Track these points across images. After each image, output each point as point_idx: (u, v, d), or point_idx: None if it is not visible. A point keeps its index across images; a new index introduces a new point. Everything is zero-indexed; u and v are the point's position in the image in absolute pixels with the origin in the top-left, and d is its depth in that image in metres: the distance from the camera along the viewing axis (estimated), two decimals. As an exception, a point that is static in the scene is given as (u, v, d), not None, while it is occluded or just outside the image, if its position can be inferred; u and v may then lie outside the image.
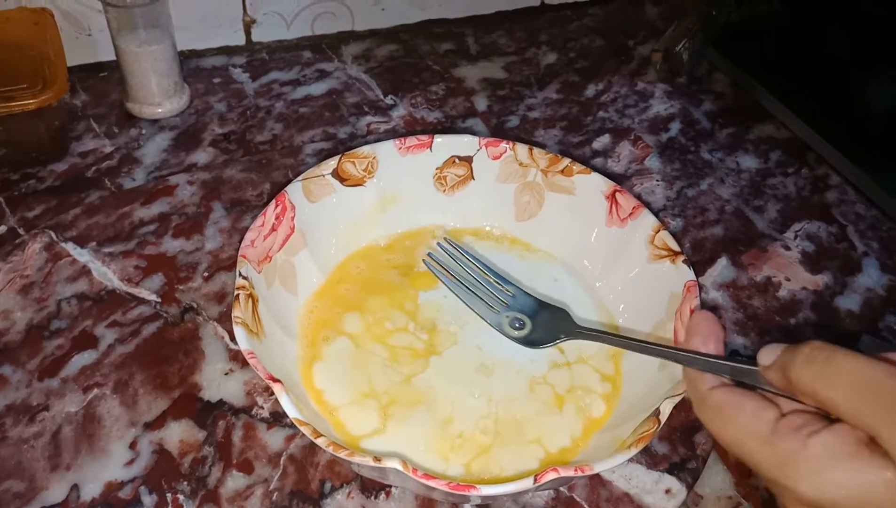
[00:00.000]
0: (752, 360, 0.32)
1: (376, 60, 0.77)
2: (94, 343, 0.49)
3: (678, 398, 0.38)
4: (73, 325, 0.50)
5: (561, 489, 0.43)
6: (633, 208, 0.50)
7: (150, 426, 0.45)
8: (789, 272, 0.58)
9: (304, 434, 0.36)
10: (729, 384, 0.32)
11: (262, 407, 0.46)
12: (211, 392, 0.47)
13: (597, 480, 0.43)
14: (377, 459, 0.35)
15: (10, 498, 0.41)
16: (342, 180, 0.51)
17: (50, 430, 0.44)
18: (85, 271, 0.53)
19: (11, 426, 0.44)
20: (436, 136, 0.53)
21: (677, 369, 0.41)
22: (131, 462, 0.43)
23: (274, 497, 0.42)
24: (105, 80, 0.71)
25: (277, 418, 0.45)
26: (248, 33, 0.76)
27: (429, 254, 0.51)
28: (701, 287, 0.55)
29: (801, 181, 0.67)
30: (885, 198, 0.64)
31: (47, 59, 0.59)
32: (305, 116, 0.69)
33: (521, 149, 0.53)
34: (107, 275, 0.53)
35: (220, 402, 0.46)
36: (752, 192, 0.65)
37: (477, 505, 0.42)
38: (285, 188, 0.49)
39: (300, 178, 0.50)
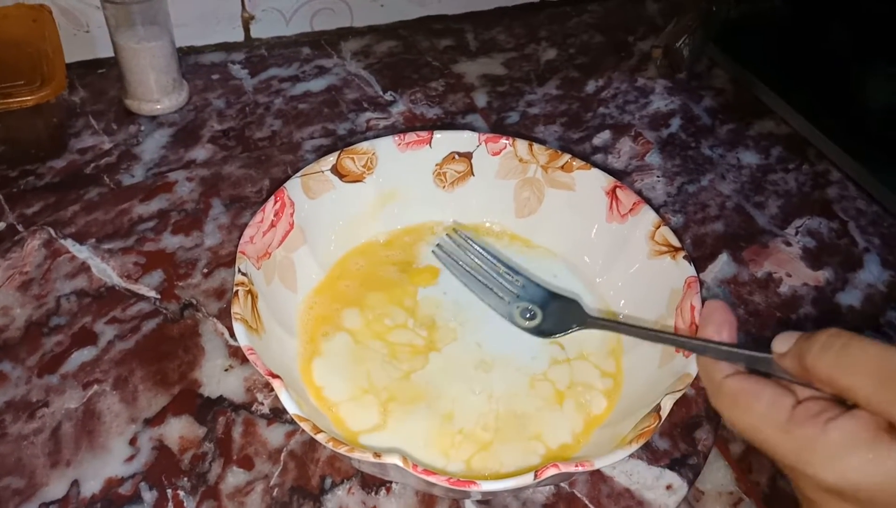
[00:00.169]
0: (766, 348, 0.32)
1: (375, 57, 0.77)
2: (94, 340, 0.49)
3: (679, 394, 0.38)
4: (73, 321, 0.49)
5: (562, 485, 0.43)
6: (634, 203, 0.50)
7: (150, 422, 0.45)
8: (790, 268, 0.58)
9: (304, 430, 0.36)
10: (744, 372, 0.32)
11: (262, 403, 0.46)
12: (211, 389, 0.46)
13: (598, 476, 0.43)
14: (377, 455, 0.34)
15: (9, 495, 0.41)
16: (341, 177, 0.51)
17: (50, 426, 0.44)
18: (84, 268, 0.53)
19: (11, 423, 0.44)
20: (435, 132, 0.53)
21: (678, 365, 0.41)
22: (131, 458, 0.43)
23: (274, 493, 0.42)
24: (103, 76, 0.71)
25: (277, 414, 0.45)
26: (246, 30, 0.76)
27: (438, 245, 0.51)
28: (702, 283, 0.55)
29: (802, 177, 0.67)
30: (886, 193, 0.64)
31: (45, 55, 0.59)
32: (304, 113, 0.69)
33: (521, 145, 0.53)
34: (106, 271, 0.53)
35: (220, 398, 0.46)
36: (752, 188, 0.65)
37: (478, 501, 0.42)
38: (284, 185, 0.49)
39: (299, 174, 0.49)
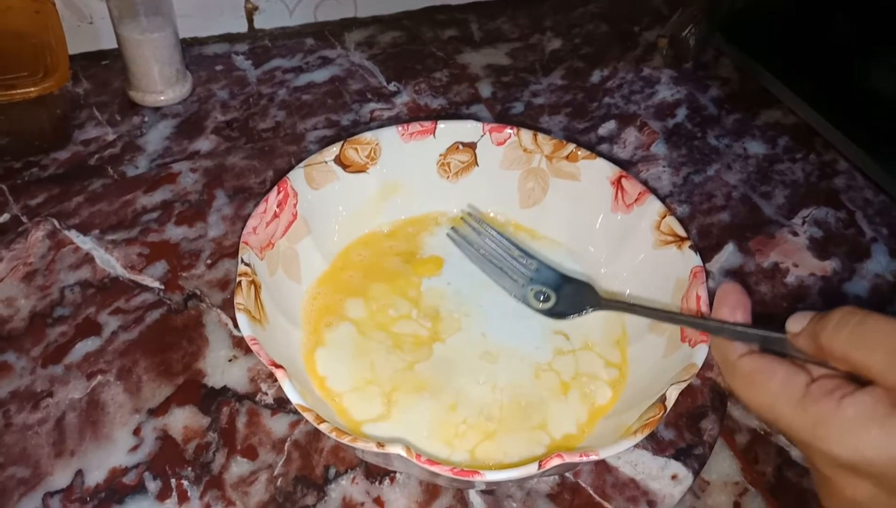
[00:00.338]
0: (780, 329, 0.32)
1: (379, 47, 0.77)
2: (98, 330, 0.49)
3: (684, 385, 0.37)
4: (77, 312, 0.49)
5: (566, 475, 0.43)
6: (639, 193, 0.49)
7: (154, 412, 0.45)
8: (797, 258, 0.58)
9: (307, 420, 0.36)
10: (758, 351, 0.32)
11: (266, 393, 0.46)
12: (215, 379, 0.46)
13: (602, 466, 0.43)
14: (381, 445, 0.34)
15: (14, 484, 0.41)
16: (345, 167, 0.51)
17: (54, 416, 0.44)
18: (88, 259, 0.53)
19: (16, 413, 0.44)
20: (439, 122, 0.53)
21: (684, 355, 0.41)
22: (135, 448, 0.43)
23: (278, 483, 0.42)
24: (107, 68, 0.70)
25: (281, 404, 0.45)
26: (250, 20, 0.76)
27: (452, 228, 0.51)
28: (708, 274, 0.55)
29: (809, 167, 0.66)
30: (894, 183, 0.63)
31: (48, 47, 0.59)
32: (308, 104, 0.69)
33: (526, 135, 0.53)
34: (110, 262, 0.53)
35: (224, 388, 0.46)
36: (759, 178, 0.65)
37: (482, 491, 0.42)
38: (287, 175, 0.48)
39: (302, 164, 0.49)
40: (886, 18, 0.68)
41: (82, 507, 0.40)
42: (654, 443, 0.44)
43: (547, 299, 0.47)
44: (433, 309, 0.48)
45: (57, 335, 0.48)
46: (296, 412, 0.43)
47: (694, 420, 0.45)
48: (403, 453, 0.34)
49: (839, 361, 0.29)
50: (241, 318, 0.39)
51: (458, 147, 0.54)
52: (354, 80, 0.72)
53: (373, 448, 0.35)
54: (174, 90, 0.67)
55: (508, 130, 0.53)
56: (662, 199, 0.55)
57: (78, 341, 0.48)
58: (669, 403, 0.37)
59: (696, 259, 0.45)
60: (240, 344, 0.48)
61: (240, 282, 0.41)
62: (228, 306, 0.50)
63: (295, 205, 0.48)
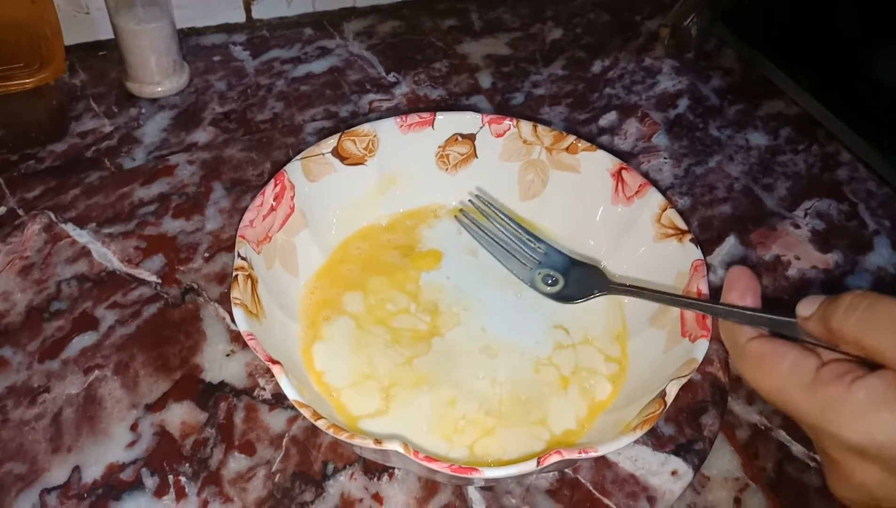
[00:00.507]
0: (790, 313, 0.32)
1: (378, 37, 0.76)
2: (95, 325, 0.48)
3: (684, 380, 0.37)
4: (74, 306, 0.49)
5: (566, 470, 0.42)
6: (640, 186, 0.49)
7: (152, 407, 0.44)
8: (799, 251, 0.57)
9: (305, 416, 0.36)
10: (767, 335, 0.32)
11: (264, 388, 0.46)
12: (212, 374, 0.46)
13: (602, 462, 0.43)
14: (378, 441, 0.34)
15: (11, 480, 0.41)
16: (342, 159, 0.51)
17: (51, 412, 0.44)
18: (85, 252, 0.52)
19: (12, 409, 0.44)
20: (438, 113, 0.52)
21: (684, 350, 0.40)
22: (133, 443, 0.43)
23: (276, 479, 0.41)
24: (104, 58, 0.70)
25: (279, 399, 0.45)
26: (248, 10, 0.75)
27: (461, 211, 0.51)
28: (709, 266, 0.54)
29: (811, 158, 0.66)
30: (897, 175, 0.63)
31: (44, 37, 0.58)
32: (307, 95, 0.68)
33: (525, 126, 0.52)
34: (107, 256, 0.52)
35: (222, 383, 0.46)
36: (761, 169, 0.64)
37: (481, 487, 0.41)
38: (284, 168, 0.48)
39: (299, 157, 0.49)
40: (890, 8, 0.67)
41: (79, 503, 0.40)
42: (655, 439, 0.44)
43: (555, 283, 0.47)
44: (432, 303, 0.48)
45: (54, 330, 0.48)
46: (294, 407, 0.43)
47: (694, 416, 0.45)
48: (401, 450, 0.34)
49: (850, 345, 0.29)
50: (237, 313, 0.39)
51: (457, 139, 0.53)
52: (353, 70, 0.71)
53: (370, 444, 0.34)
54: (171, 81, 0.66)
55: (508, 122, 0.53)
56: (663, 191, 0.54)
57: (75, 335, 0.48)
58: (669, 399, 0.37)
59: (696, 252, 0.44)
60: (237, 339, 0.48)
61: (236, 276, 0.41)
62: (226, 300, 0.50)
63: (292, 198, 0.48)
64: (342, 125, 0.65)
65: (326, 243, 0.50)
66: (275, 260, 0.46)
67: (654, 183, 0.54)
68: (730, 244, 0.57)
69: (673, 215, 0.47)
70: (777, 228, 0.59)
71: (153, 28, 0.63)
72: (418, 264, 0.50)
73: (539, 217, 0.53)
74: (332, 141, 0.50)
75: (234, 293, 0.40)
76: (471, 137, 0.53)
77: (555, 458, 0.34)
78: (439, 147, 0.53)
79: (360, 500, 0.41)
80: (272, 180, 0.47)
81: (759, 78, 0.74)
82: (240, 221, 0.45)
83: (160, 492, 0.41)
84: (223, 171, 0.59)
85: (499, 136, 0.53)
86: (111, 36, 0.65)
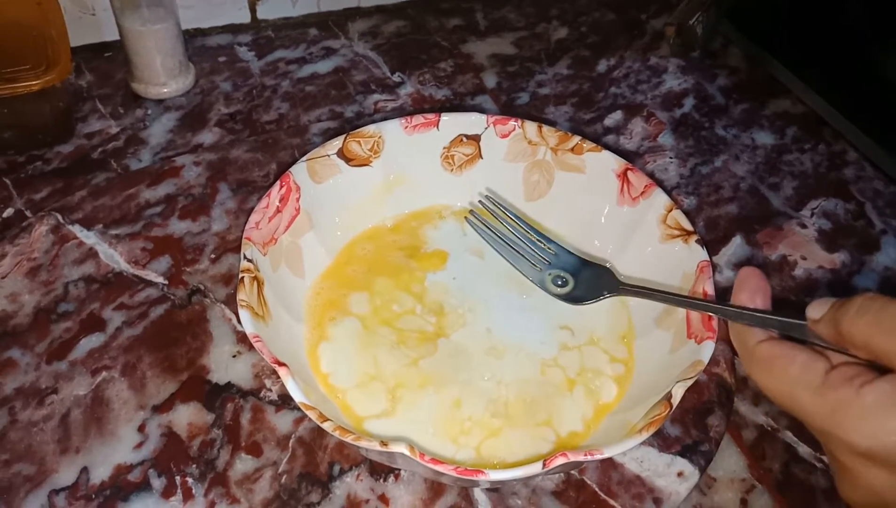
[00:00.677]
0: (799, 315, 0.32)
1: (383, 37, 0.76)
2: (102, 326, 0.48)
3: (690, 382, 0.37)
4: (81, 308, 0.49)
5: (572, 472, 0.42)
6: (645, 186, 0.49)
7: (159, 409, 0.44)
8: (805, 251, 0.57)
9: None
10: (776, 337, 0.32)
11: (271, 390, 0.46)
12: (219, 375, 0.46)
13: (608, 463, 0.43)
14: (384, 444, 0.34)
15: (20, 481, 0.41)
16: (348, 160, 0.51)
17: (59, 413, 0.44)
18: (92, 254, 0.53)
19: (21, 410, 0.44)
20: (443, 114, 0.52)
21: (690, 351, 0.40)
22: (140, 445, 0.43)
23: (283, 480, 0.42)
24: (110, 60, 0.70)
25: (286, 400, 0.45)
26: (253, 11, 0.75)
27: (471, 211, 0.51)
28: (715, 267, 0.55)
29: (818, 157, 0.66)
30: (905, 174, 0.62)
31: (50, 39, 0.58)
32: (312, 95, 0.68)
33: (530, 127, 0.52)
34: (114, 257, 0.53)
35: (229, 384, 0.46)
36: (767, 169, 0.64)
37: (487, 488, 0.41)
38: (290, 169, 0.48)
39: (305, 158, 0.49)
40: (898, 5, 0.67)
41: (87, 504, 0.40)
42: (660, 440, 0.44)
43: (565, 284, 0.47)
44: (437, 304, 0.48)
45: (61, 331, 0.48)
46: (300, 408, 0.43)
47: (700, 417, 0.45)
48: (407, 452, 0.34)
49: (860, 348, 0.29)
50: (244, 315, 0.39)
51: (462, 140, 0.53)
52: (358, 70, 0.71)
53: (376, 447, 0.34)
54: (177, 82, 0.66)
55: (513, 123, 0.53)
56: (669, 192, 0.54)
57: (82, 337, 0.48)
58: (675, 401, 0.37)
59: (702, 254, 0.44)
60: (244, 340, 0.48)
61: (242, 278, 0.41)
62: (232, 302, 0.50)
63: (298, 199, 0.48)
64: (347, 126, 0.65)
65: (332, 244, 0.50)
66: (281, 262, 0.46)
67: (660, 183, 0.54)
68: (736, 244, 0.57)
69: (679, 216, 0.47)
70: (783, 227, 0.59)
71: (158, 29, 0.63)
72: (424, 265, 0.50)
73: (544, 218, 0.53)
74: (337, 142, 0.50)
75: (241, 295, 0.40)
76: (476, 138, 0.53)
77: (560, 460, 0.34)
78: (444, 148, 0.53)
79: (367, 501, 0.41)
80: (278, 182, 0.47)
81: (765, 77, 0.74)
82: (246, 222, 0.45)
83: (167, 493, 0.41)
84: (229, 172, 0.60)
85: (504, 136, 0.53)
86: (117, 37, 0.65)
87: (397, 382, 0.44)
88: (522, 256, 0.48)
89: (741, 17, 0.77)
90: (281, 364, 0.37)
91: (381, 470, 0.42)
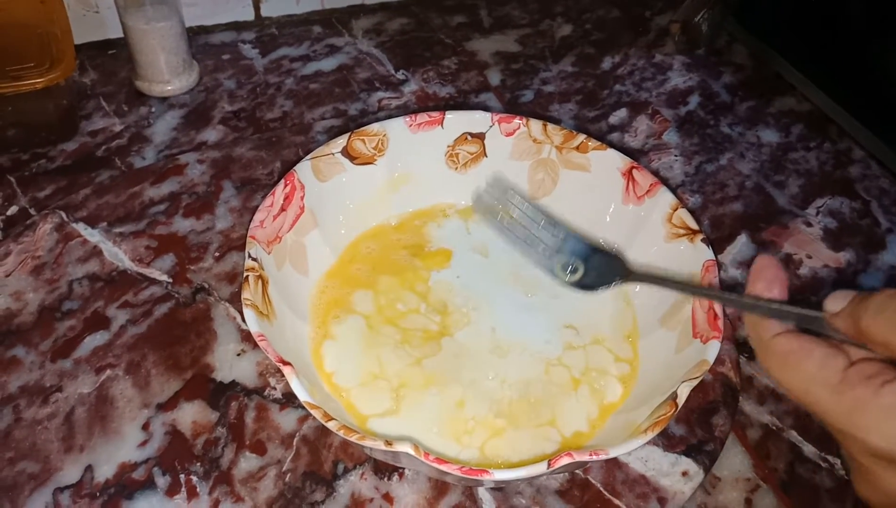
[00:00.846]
0: (818, 307, 0.30)
1: (387, 34, 0.76)
2: (106, 324, 0.48)
3: (695, 382, 0.37)
4: (85, 306, 0.49)
5: (576, 471, 0.42)
6: (651, 185, 0.48)
7: (163, 407, 0.44)
8: (811, 250, 0.57)
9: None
10: (794, 330, 0.31)
11: (275, 388, 0.46)
12: (223, 373, 0.46)
13: (613, 462, 0.43)
14: (389, 443, 0.34)
15: (25, 479, 0.41)
16: (352, 159, 0.51)
17: (63, 411, 0.44)
18: (96, 252, 0.53)
19: (25, 408, 0.44)
20: (447, 112, 0.52)
21: (695, 351, 0.40)
22: (144, 443, 0.43)
23: (287, 479, 0.42)
24: (114, 57, 0.70)
25: (290, 399, 0.45)
26: (257, 8, 0.75)
27: (478, 197, 0.48)
28: (720, 265, 0.54)
29: (824, 156, 0.65)
30: (911, 172, 0.62)
31: (54, 37, 0.59)
32: (316, 93, 0.68)
33: (535, 125, 0.52)
34: (118, 255, 0.53)
35: (233, 383, 0.46)
36: (772, 167, 0.64)
37: (491, 488, 0.41)
38: (294, 168, 0.48)
39: (309, 157, 0.49)
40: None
41: (92, 503, 0.40)
42: (665, 439, 0.44)
43: (575, 271, 0.45)
44: (442, 303, 0.48)
45: (65, 329, 0.48)
46: (304, 407, 0.43)
47: (705, 416, 0.45)
48: (412, 451, 0.34)
49: (879, 345, 0.28)
50: (248, 314, 0.39)
51: (466, 138, 0.53)
52: (362, 68, 0.71)
53: (381, 446, 0.34)
54: (181, 80, 0.66)
55: (517, 121, 0.53)
56: (674, 189, 0.54)
57: (86, 335, 0.48)
58: (681, 401, 0.36)
59: (708, 253, 0.44)
60: (248, 338, 0.48)
61: (247, 277, 0.41)
62: (236, 300, 0.50)
63: (302, 198, 0.48)
64: (351, 124, 0.65)
65: (336, 242, 0.50)
66: (285, 260, 0.46)
67: (665, 181, 0.54)
68: (741, 243, 0.57)
69: (684, 215, 0.46)
70: (789, 226, 0.59)
71: (162, 27, 0.63)
72: (428, 263, 0.50)
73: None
74: (341, 141, 0.50)
75: (245, 294, 0.40)
76: (480, 137, 0.53)
77: (565, 460, 0.34)
78: (449, 146, 0.53)
79: (371, 500, 0.41)
80: (282, 181, 0.47)
81: (770, 74, 0.73)
82: (250, 220, 0.45)
83: (172, 491, 0.41)
84: (233, 170, 0.59)
85: (508, 135, 0.53)
86: (121, 35, 0.65)
87: (401, 381, 0.44)
88: (531, 242, 0.46)
89: (747, 14, 0.77)
90: (286, 363, 0.37)
91: (385, 469, 0.42)
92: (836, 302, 0.30)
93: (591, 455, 0.34)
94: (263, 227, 0.45)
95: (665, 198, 0.48)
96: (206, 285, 0.51)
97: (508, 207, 0.47)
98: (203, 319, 0.49)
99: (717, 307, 0.41)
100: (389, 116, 0.52)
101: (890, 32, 0.68)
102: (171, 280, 0.51)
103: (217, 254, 0.53)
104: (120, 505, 0.40)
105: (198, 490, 0.41)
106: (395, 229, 0.52)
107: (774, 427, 0.46)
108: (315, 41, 0.74)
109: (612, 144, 0.51)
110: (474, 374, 0.44)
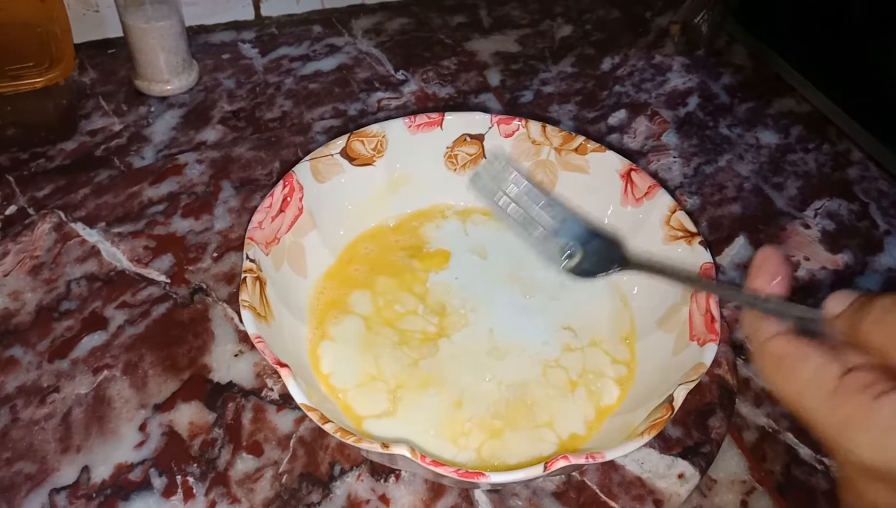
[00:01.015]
0: (818, 305, 0.29)
1: (387, 34, 0.76)
2: (104, 324, 0.49)
3: (692, 385, 0.37)
4: (83, 306, 0.49)
5: (572, 473, 0.42)
6: (649, 187, 0.48)
7: (160, 407, 0.45)
8: (809, 251, 0.57)
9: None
10: (792, 331, 0.30)
11: (272, 389, 0.46)
12: (220, 374, 0.46)
13: (609, 464, 0.43)
14: (385, 445, 0.34)
15: (21, 480, 0.41)
16: (351, 160, 0.51)
17: (60, 412, 0.44)
18: (94, 252, 0.53)
19: (22, 408, 0.44)
20: (446, 114, 0.52)
21: (693, 353, 0.40)
22: (141, 444, 0.43)
23: (283, 480, 0.42)
24: (113, 56, 0.70)
25: (287, 400, 0.45)
26: (256, 7, 0.75)
27: (475, 173, 0.46)
28: (718, 267, 0.54)
29: (822, 157, 0.65)
30: (910, 174, 0.62)
31: (54, 36, 0.58)
32: (315, 93, 0.68)
33: (534, 126, 0.52)
34: (116, 255, 0.53)
35: (230, 384, 0.46)
36: (771, 168, 0.64)
37: (487, 490, 0.41)
38: (293, 169, 0.48)
39: (308, 158, 0.49)
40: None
41: (88, 503, 0.40)
42: (661, 441, 0.44)
43: (572, 256, 0.43)
44: (440, 305, 0.48)
45: (63, 330, 0.48)
46: (301, 408, 0.43)
47: (701, 418, 0.45)
48: (408, 454, 0.34)
49: (876, 353, 0.27)
50: (246, 316, 0.39)
51: (465, 139, 0.53)
52: (362, 68, 0.71)
53: (377, 448, 0.34)
54: (180, 79, 0.66)
55: (517, 122, 0.53)
56: (673, 191, 0.54)
57: (84, 335, 0.48)
58: (677, 404, 0.36)
59: (706, 255, 0.44)
60: (246, 339, 0.48)
61: (245, 279, 0.41)
62: (234, 301, 0.50)
63: (301, 199, 0.48)
64: (350, 124, 0.65)
65: (335, 243, 0.50)
66: (283, 261, 0.46)
67: (663, 183, 0.54)
68: (739, 245, 0.57)
69: (682, 218, 0.46)
70: (787, 228, 0.59)
71: (162, 26, 0.63)
72: (426, 264, 0.50)
73: (547, 218, 0.53)
74: (340, 142, 0.50)
75: (243, 296, 0.40)
76: (479, 138, 0.53)
77: (562, 463, 0.34)
78: (448, 148, 0.53)
79: (367, 501, 0.41)
80: (281, 182, 0.47)
81: (770, 75, 0.73)
82: (248, 220, 0.45)
83: (168, 492, 0.41)
84: (232, 170, 0.59)
85: (507, 136, 0.53)
86: (120, 34, 0.65)
87: (398, 382, 0.44)
88: (527, 224, 0.44)
89: (747, 15, 0.77)
90: (283, 365, 0.37)
91: (381, 471, 0.42)
92: (836, 303, 0.29)
93: (587, 458, 0.34)
94: (262, 228, 0.45)
95: (663, 200, 0.48)
96: (204, 286, 0.51)
97: (506, 184, 0.45)
98: (201, 319, 0.49)
99: (715, 310, 0.41)
100: (389, 117, 0.52)
101: (890, 34, 0.68)
102: (169, 281, 0.51)
103: (215, 254, 0.53)
104: (116, 506, 0.40)
105: (194, 491, 0.41)
106: (394, 230, 0.52)
107: (771, 430, 0.46)
108: (315, 41, 0.74)
109: (611, 145, 0.51)
110: (472, 376, 0.44)
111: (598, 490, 0.42)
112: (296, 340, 0.45)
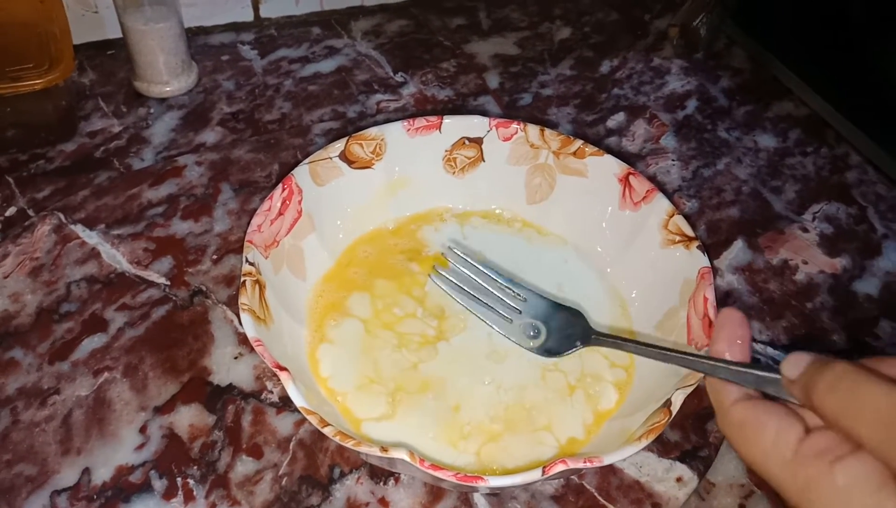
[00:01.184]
0: (777, 365, 0.30)
1: (386, 36, 0.76)
2: (104, 327, 0.49)
3: (690, 389, 0.37)
4: (83, 308, 0.50)
5: (571, 477, 0.42)
6: (647, 191, 0.49)
7: (160, 410, 0.45)
8: (807, 255, 0.57)
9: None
10: (753, 396, 0.30)
11: (272, 392, 0.46)
12: (220, 376, 0.46)
13: (607, 468, 0.43)
14: (384, 449, 0.34)
15: (22, 482, 0.41)
16: (350, 163, 0.51)
17: (61, 414, 0.44)
18: (94, 254, 0.53)
19: (23, 410, 0.44)
20: (445, 117, 0.52)
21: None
22: (141, 446, 0.43)
23: (283, 483, 0.42)
24: (113, 57, 0.70)
25: (287, 402, 0.45)
26: (256, 9, 0.75)
27: (434, 266, 0.48)
28: (716, 271, 0.55)
29: (821, 161, 0.65)
30: (907, 178, 0.62)
31: (53, 37, 0.59)
32: (314, 95, 0.68)
33: (533, 130, 0.52)
34: (116, 257, 0.53)
35: (230, 386, 0.46)
36: (769, 172, 0.64)
37: (486, 493, 0.42)
38: (292, 172, 0.48)
39: (307, 161, 0.49)
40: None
41: (89, 505, 0.40)
42: (660, 445, 0.44)
43: (537, 334, 0.45)
44: (439, 308, 0.48)
45: (63, 332, 0.48)
46: (301, 411, 0.44)
47: (700, 422, 0.45)
48: (407, 458, 0.34)
49: (829, 423, 0.27)
50: (245, 319, 0.39)
51: (464, 142, 0.53)
52: (361, 70, 0.71)
53: (377, 452, 0.34)
54: (179, 81, 0.66)
55: (515, 126, 0.53)
56: (671, 194, 0.54)
57: (84, 337, 0.48)
58: (675, 408, 0.37)
59: (703, 260, 0.44)
60: (245, 341, 0.48)
61: (244, 282, 0.41)
62: (234, 303, 0.50)
63: (300, 202, 0.48)
64: (350, 126, 0.65)
65: (334, 246, 0.51)
66: (283, 264, 0.46)
67: (662, 186, 0.54)
68: (737, 248, 0.57)
69: (680, 222, 0.47)
70: (785, 231, 0.59)
71: (161, 28, 0.63)
72: (425, 267, 0.50)
73: (546, 222, 0.53)
74: (339, 145, 0.50)
75: (242, 299, 0.40)
76: (478, 141, 0.53)
77: (560, 467, 0.34)
78: (446, 151, 0.53)
79: (367, 504, 0.41)
80: (280, 185, 0.47)
81: (768, 78, 0.74)
82: (248, 223, 0.45)
83: (168, 495, 0.41)
84: (231, 172, 0.60)
85: (506, 139, 0.53)
86: (120, 35, 0.65)
87: (397, 385, 0.44)
88: (491, 307, 0.46)
89: (745, 18, 0.77)
90: (282, 369, 0.37)
91: (381, 474, 0.42)
92: (792, 367, 0.29)
93: (585, 462, 0.34)
94: (261, 231, 0.45)
95: (661, 204, 0.48)
96: (204, 288, 0.51)
97: (465, 276, 0.47)
98: (200, 322, 0.49)
99: (712, 314, 0.41)
100: (388, 119, 0.52)
101: (888, 37, 0.68)
102: (168, 283, 0.51)
103: (215, 257, 0.53)
104: (117, 508, 0.40)
105: (194, 493, 0.41)
106: (393, 233, 0.53)
107: (768, 434, 0.46)
108: (314, 43, 0.74)
109: (609, 149, 0.52)
110: (470, 379, 0.45)
111: (596, 494, 0.42)
112: (295, 343, 0.45)
